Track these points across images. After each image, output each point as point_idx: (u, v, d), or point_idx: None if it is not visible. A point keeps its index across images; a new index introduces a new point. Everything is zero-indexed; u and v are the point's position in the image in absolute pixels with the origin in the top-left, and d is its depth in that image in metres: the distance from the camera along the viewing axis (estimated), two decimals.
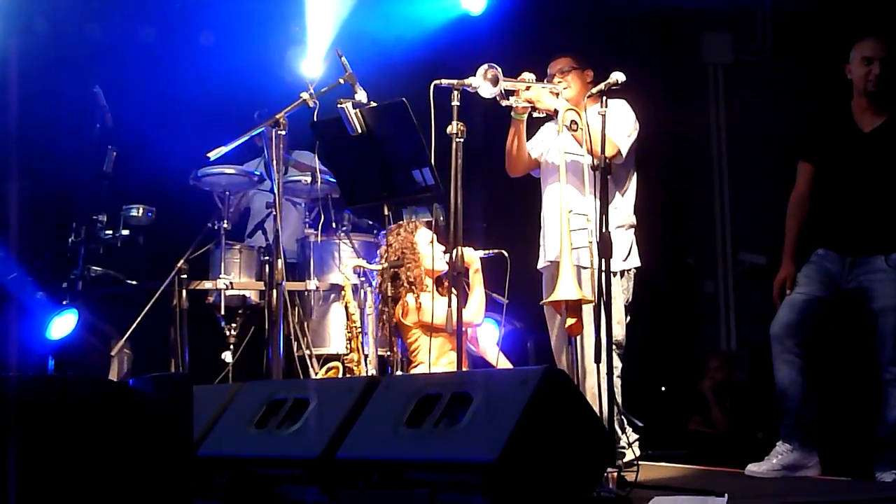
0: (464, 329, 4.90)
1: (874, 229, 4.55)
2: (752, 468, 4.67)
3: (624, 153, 4.92)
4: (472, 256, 5.27)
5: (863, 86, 4.63)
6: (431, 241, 5.28)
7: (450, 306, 4.54)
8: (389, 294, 5.26)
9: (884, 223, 4.53)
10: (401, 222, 5.46)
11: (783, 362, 4.65)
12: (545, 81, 5.09)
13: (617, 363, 4.84)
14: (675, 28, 8.27)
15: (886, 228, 4.52)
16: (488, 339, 5.56)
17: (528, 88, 4.88)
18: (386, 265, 5.33)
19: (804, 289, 4.69)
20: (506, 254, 5.16)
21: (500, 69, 4.67)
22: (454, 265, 4.50)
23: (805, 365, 4.63)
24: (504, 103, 4.86)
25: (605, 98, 4.43)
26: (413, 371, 5.26)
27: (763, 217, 7.92)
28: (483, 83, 4.66)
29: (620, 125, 4.94)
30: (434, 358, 5.08)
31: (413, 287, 5.24)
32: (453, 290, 4.59)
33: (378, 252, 5.48)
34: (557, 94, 4.93)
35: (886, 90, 4.61)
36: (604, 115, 4.38)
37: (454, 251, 4.49)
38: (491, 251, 5.26)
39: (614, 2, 7.79)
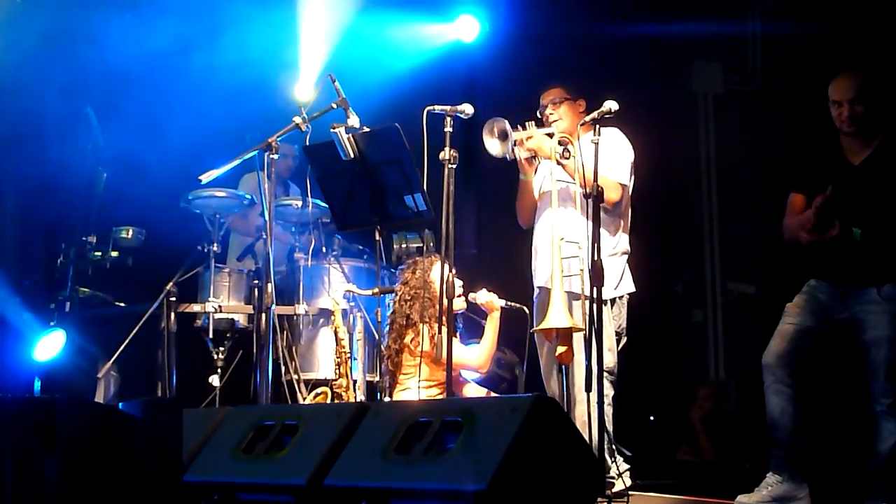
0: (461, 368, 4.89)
1: (866, 261, 4.56)
2: (743, 499, 4.65)
3: (629, 186, 4.95)
4: (495, 304, 5.27)
5: (838, 126, 4.66)
6: (444, 280, 5.23)
7: (440, 332, 4.53)
8: (402, 329, 5.23)
9: (876, 255, 4.54)
10: (417, 259, 5.46)
11: (774, 392, 4.64)
12: (537, 112, 5.10)
13: (609, 390, 4.84)
14: (666, 57, 8.32)
15: (878, 260, 4.52)
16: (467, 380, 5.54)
17: (529, 138, 4.87)
18: (375, 291, 5.30)
19: (796, 319, 4.68)
20: (526, 311, 5.16)
21: (506, 122, 4.67)
22: (445, 291, 4.48)
23: (796, 395, 4.62)
24: (510, 158, 4.85)
25: (598, 126, 4.44)
26: (397, 393, 5.23)
27: (752, 247, 7.96)
28: (490, 140, 4.67)
29: (619, 161, 4.96)
30: (422, 383, 5.06)
31: (426, 321, 5.21)
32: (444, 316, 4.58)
33: (395, 288, 5.46)
34: (552, 135, 4.93)
35: (865, 125, 4.61)
36: (597, 144, 4.39)
37: (445, 277, 4.48)
38: (514, 304, 5.27)
39: (605, 31, 7.84)
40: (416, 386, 5.09)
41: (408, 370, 5.24)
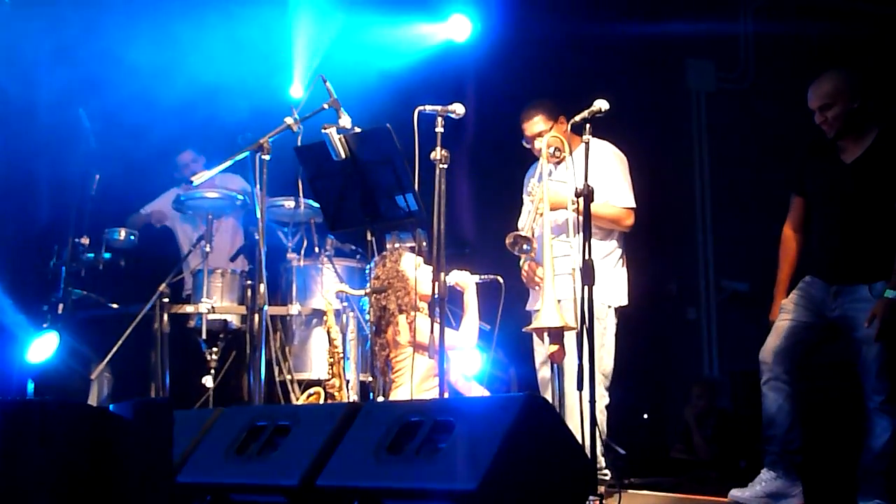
0: (451, 352, 4.89)
1: (858, 259, 4.56)
2: (736, 493, 4.67)
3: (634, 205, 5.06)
4: (468, 281, 5.25)
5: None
6: (417, 266, 5.24)
7: (432, 332, 4.53)
8: (381, 323, 5.22)
9: (867, 253, 4.54)
10: (384, 253, 5.44)
11: (771, 389, 4.65)
12: (523, 143, 5.15)
13: (605, 397, 4.88)
14: (658, 56, 8.32)
15: (870, 258, 4.53)
16: (459, 369, 5.53)
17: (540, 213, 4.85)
18: (368, 291, 5.30)
19: (791, 315, 4.70)
20: (500, 280, 5.16)
21: (523, 240, 4.71)
22: (437, 290, 4.48)
23: (792, 392, 4.63)
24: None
25: (588, 125, 4.43)
26: (394, 392, 5.23)
27: (745, 244, 7.98)
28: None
29: (622, 185, 5.07)
30: (417, 381, 5.06)
31: (404, 309, 5.21)
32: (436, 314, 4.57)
33: (367, 284, 5.46)
34: (550, 174, 4.95)
35: (847, 126, 4.62)
36: (587, 143, 4.38)
37: (439, 276, 4.48)
38: (486, 277, 5.25)
39: (598, 30, 7.84)
40: (412, 382, 5.08)
41: (399, 366, 5.23)
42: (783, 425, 4.62)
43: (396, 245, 5.54)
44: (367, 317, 5.41)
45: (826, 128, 4.64)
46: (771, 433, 4.66)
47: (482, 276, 5.27)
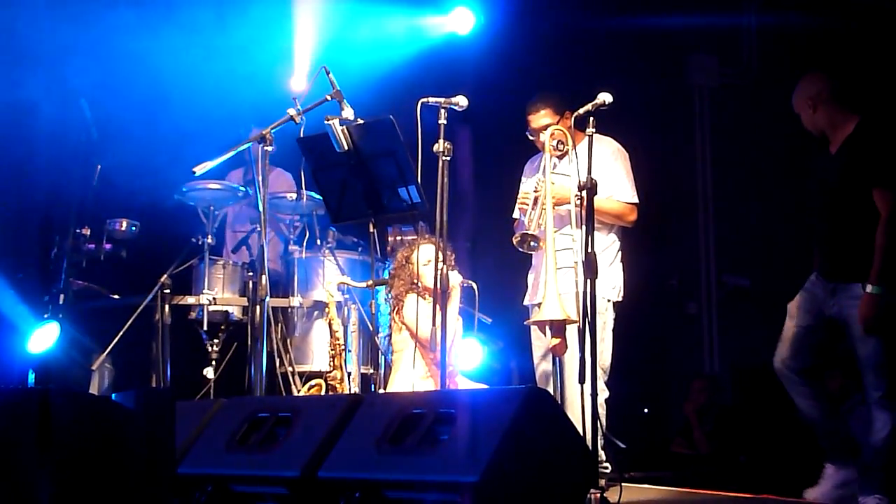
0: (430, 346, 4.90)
1: (850, 255, 4.53)
2: (810, 492, 4.65)
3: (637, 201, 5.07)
4: (453, 282, 5.24)
5: None
6: (427, 262, 5.23)
7: (434, 324, 4.53)
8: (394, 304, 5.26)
9: (859, 249, 4.50)
10: (414, 238, 5.47)
11: (795, 394, 4.67)
12: (528, 135, 5.15)
13: (604, 391, 4.88)
14: (661, 50, 8.31)
15: (862, 255, 4.50)
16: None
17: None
18: (370, 284, 5.31)
19: (794, 320, 4.70)
20: (475, 286, 5.14)
21: (531, 237, 4.74)
22: (440, 283, 4.48)
23: (816, 391, 4.64)
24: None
25: (591, 119, 4.42)
26: (392, 377, 5.24)
27: (747, 240, 7.98)
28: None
29: (626, 181, 5.07)
30: (412, 365, 5.08)
31: (400, 299, 5.24)
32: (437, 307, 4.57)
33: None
34: (554, 166, 4.96)
35: (820, 125, 4.68)
36: (590, 136, 4.38)
37: (439, 269, 4.48)
38: (465, 282, 5.24)
39: (600, 24, 7.83)
40: (409, 375, 5.09)
41: (397, 348, 5.26)
42: (819, 420, 4.62)
43: (399, 235, 5.55)
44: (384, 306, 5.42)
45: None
46: (816, 431, 4.67)
47: (464, 281, 5.24)
